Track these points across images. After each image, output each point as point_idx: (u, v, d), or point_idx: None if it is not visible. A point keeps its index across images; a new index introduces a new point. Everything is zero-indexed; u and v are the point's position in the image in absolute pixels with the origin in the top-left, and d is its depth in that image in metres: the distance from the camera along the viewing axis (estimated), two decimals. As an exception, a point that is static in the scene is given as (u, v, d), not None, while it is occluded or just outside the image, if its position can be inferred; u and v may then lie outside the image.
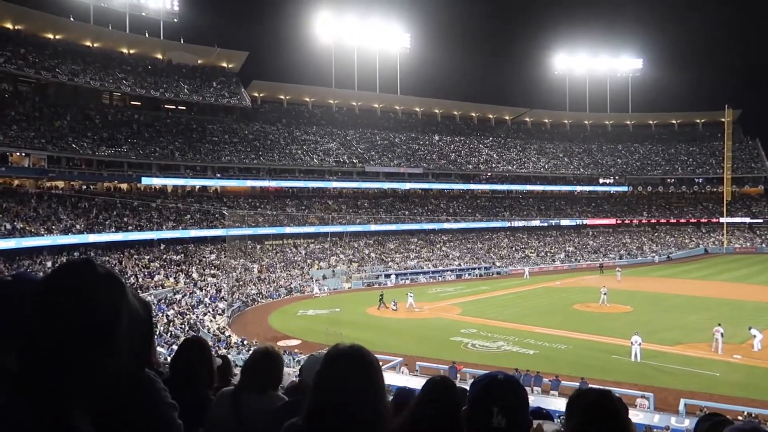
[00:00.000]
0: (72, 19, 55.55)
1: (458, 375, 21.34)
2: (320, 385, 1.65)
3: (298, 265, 49.83)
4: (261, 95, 69.16)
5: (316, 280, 46.89)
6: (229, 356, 26.39)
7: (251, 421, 2.78)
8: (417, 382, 18.68)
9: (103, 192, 47.88)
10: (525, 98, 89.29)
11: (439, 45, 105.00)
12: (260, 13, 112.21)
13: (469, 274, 54.72)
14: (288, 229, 53.78)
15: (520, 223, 68.77)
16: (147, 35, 60.75)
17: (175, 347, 29.26)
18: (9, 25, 51.30)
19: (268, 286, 44.59)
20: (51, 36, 54.27)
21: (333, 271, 49.68)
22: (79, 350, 1.00)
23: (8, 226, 36.82)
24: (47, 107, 49.28)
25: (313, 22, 71.74)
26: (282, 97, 70.73)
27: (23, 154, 42.82)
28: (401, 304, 37.61)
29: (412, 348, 27.49)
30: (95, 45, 57.50)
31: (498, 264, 58.36)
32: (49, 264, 37.22)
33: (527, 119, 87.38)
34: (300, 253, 52.47)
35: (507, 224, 68.02)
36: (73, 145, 46.43)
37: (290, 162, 59.50)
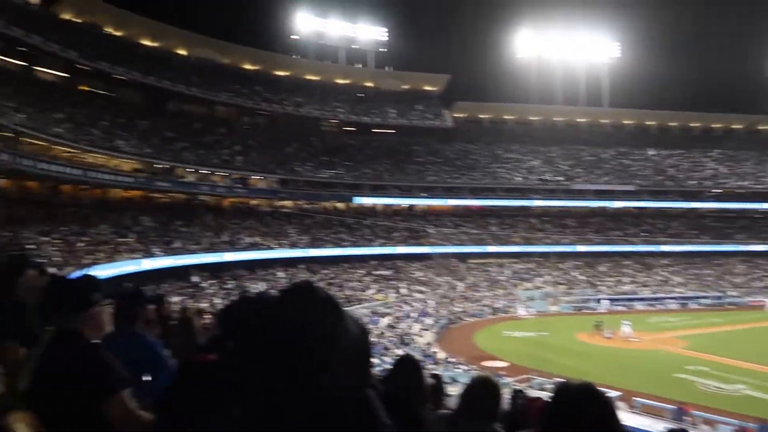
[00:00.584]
0: (297, 56, 62.72)
1: (687, 418, 18.67)
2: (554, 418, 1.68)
3: (503, 285, 49.00)
4: (462, 116, 70.12)
5: (522, 301, 45.58)
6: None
7: None
8: (637, 421, 16.85)
9: (322, 210, 52.39)
10: (760, 104, 77.65)
11: (653, 51, 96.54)
12: (462, 37, 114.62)
13: (696, 304, 48.64)
14: (491, 248, 53.27)
15: (761, 247, 59.41)
16: (359, 66, 66.00)
17: (386, 359, 30.49)
18: (248, 67, 59.24)
19: (472, 304, 44.49)
20: (280, 73, 61.39)
21: (544, 293, 47.86)
22: (297, 365, 1.04)
23: (248, 240, 42.02)
24: (278, 136, 55.69)
25: (514, 39, 71.21)
26: (483, 116, 70.95)
27: (260, 178, 48.77)
28: (616, 332, 34.75)
29: (629, 382, 24.88)
30: (315, 78, 63.68)
31: (732, 293, 51.02)
32: (280, 274, 41.56)
33: (763, 127, 75.88)
34: (504, 272, 51.59)
35: (742, 248, 59.30)
36: (298, 169, 51.67)
37: (492, 181, 59.16)
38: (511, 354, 31.58)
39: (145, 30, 51.69)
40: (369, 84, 66.55)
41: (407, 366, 3.13)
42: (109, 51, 45.13)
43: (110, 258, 28.90)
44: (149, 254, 33.30)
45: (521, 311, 43.59)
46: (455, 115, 67.90)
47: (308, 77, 63.52)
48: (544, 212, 60.88)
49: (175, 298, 32.46)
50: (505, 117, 71.50)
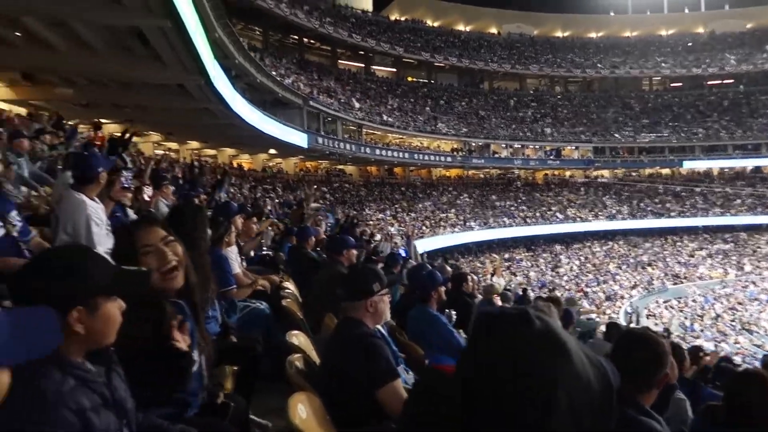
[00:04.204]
0: (612, 14, 58.35)
1: None
2: None
3: None
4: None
5: None
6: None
7: None
8: None
9: (644, 178, 48.19)
10: None
11: None
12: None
13: None
14: None
15: None
16: (686, 11, 57.89)
17: (724, 345, 26.74)
18: (559, 34, 57.64)
19: None
20: (593, 35, 58.04)
21: None
22: (512, 407, 0.85)
23: (560, 215, 41.47)
24: (592, 102, 53.05)
25: None
26: None
27: (573, 147, 47.41)
28: None
29: None
30: (633, 34, 58.30)
31: None
32: (596, 248, 40.06)
33: None
34: None
35: None
36: (616, 135, 48.40)
37: None
38: None
39: (459, 16, 55.09)
40: (700, 30, 57.86)
41: (751, 383, 2.65)
42: (428, 42, 49.49)
43: (433, 232, 32.09)
44: (467, 228, 35.81)
45: None
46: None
47: (625, 34, 58.58)
48: None
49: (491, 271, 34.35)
50: None
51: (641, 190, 45.83)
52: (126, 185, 4.38)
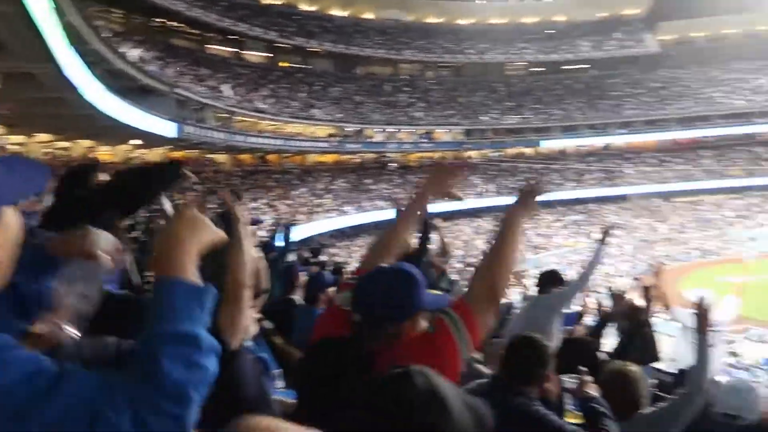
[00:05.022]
0: (482, 1, 61.12)
1: None
2: None
3: (716, 225, 43.73)
4: (669, 38, 62.05)
5: (741, 242, 40.37)
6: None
7: None
8: None
9: (508, 158, 51.71)
10: None
11: None
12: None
13: None
14: (702, 184, 47.44)
15: None
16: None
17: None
18: (432, 20, 59.41)
19: (677, 247, 40.73)
20: (464, 22, 60.23)
21: None
22: None
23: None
24: (462, 86, 55.82)
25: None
26: (695, 35, 61.89)
27: (445, 131, 49.86)
28: None
29: None
30: (501, 21, 61.36)
31: None
32: (463, 227, 42.62)
33: None
34: (719, 211, 45.85)
35: None
36: (483, 118, 51.44)
37: (706, 108, 52.03)
38: (724, 301, 28.62)
39: (335, 0, 55.25)
40: (560, 18, 62.26)
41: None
42: (303, 27, 49.49)
43: (309, 219, 32.77)
44: (343, 213, 36.84)
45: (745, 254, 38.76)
46: (660, 38, 60.46)
47: (492, 21, 61.71)
48: (775, 138, 51.92)
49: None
50: (723, 31, 61.47)
51: (506, 169, 49.18)
52: None
